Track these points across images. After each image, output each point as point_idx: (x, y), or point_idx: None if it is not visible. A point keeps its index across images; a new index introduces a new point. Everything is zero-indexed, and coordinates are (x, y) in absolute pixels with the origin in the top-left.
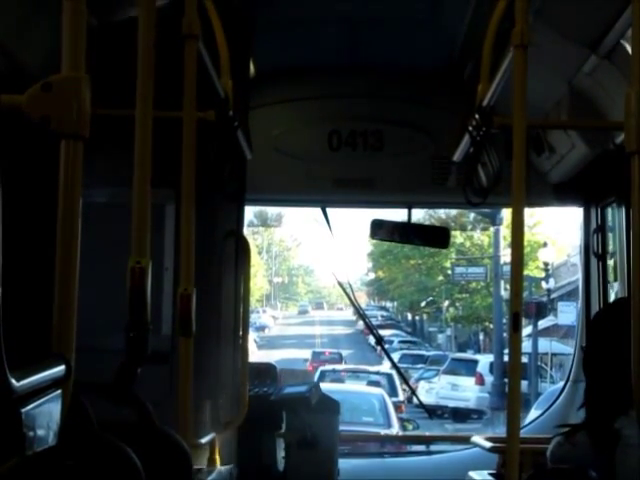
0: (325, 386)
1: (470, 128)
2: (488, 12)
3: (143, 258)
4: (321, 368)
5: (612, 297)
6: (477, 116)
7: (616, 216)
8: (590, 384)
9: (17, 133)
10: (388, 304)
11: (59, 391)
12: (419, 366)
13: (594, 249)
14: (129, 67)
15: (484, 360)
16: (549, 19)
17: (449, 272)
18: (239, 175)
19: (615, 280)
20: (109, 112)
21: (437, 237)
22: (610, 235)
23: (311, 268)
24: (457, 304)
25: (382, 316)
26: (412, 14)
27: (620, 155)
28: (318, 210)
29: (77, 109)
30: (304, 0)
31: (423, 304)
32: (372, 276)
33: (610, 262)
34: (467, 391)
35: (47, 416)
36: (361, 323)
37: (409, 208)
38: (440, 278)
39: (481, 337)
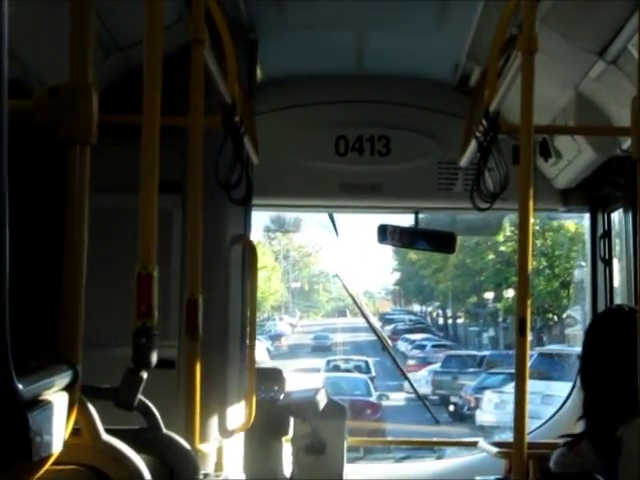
0: (330, 374)
1: (477, 133)
2: (495, 18)
3: (150, 264)
4: (327, 358)
5: (619, 302)
6: (484, 121)
7: (623, 221)
8: (588, 393)
9: (24, 138)
10: (416, 308)
11: (66, 396)
12: (471, 370)
13: (601, 254)
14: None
15: None
16: (556, 25)
17: (502, 248)
18: (246, 180)
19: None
20: (116, 118)
21: (444, 242)
22: (617, 240)
23: (332, 274)
24: (507, 294)
25: (410, 320)
26: (419, 19)
27: (627, 161)
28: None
29: (84, 114)
30: (311, 7)
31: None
32: (397, 276)
33: (617, 267)
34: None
35: (54, 421)
36: (387, 328)
37: (416, 214)
38: (490, 257)
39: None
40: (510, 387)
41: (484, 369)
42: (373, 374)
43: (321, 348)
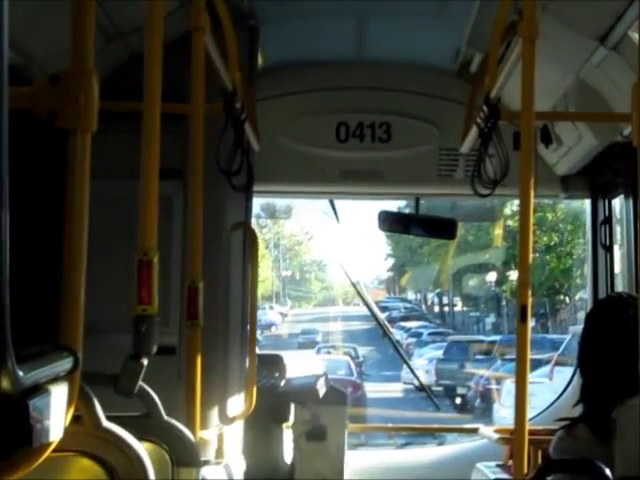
0: (319, 357)
1: (478, 120)
2: (496, 4)
3: (151, 250)
4: (318, 346)
5: (620, 288)
6: (484, 108)
7: (623, 208)
8: (586, 379)
9: (25, 125)
10: (410, 295)
11: (67, 383)
12: (480, 357)
13: (601, 240)
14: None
15: None
16: (557, 11)
17: (509, 223)
18: (247, 167)
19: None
20: (117, 105)
21: (445, 228)
22: (618, 227)
23: (324, 263)
24: (514, 276)
25: (405, 308)
26: (419, 6)
27: (628, 147)
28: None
29: (86, 101)
30: None
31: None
32: (391, 262)
33: (617, 253)
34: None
35: (54, 408)
36: (381, 316)
37: (417, 200)
38: (497, 232)
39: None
40: (536, 375)
41: (496, 356)
42: (361, 359)
43: (309, 345)
